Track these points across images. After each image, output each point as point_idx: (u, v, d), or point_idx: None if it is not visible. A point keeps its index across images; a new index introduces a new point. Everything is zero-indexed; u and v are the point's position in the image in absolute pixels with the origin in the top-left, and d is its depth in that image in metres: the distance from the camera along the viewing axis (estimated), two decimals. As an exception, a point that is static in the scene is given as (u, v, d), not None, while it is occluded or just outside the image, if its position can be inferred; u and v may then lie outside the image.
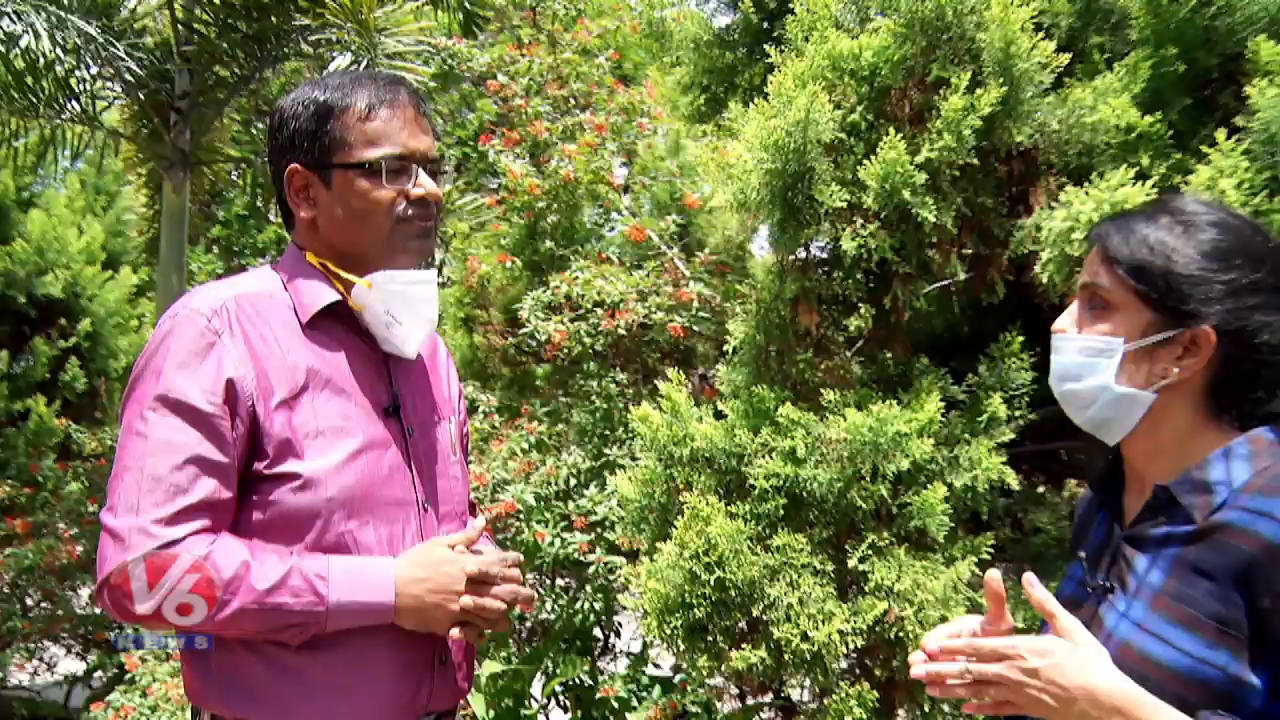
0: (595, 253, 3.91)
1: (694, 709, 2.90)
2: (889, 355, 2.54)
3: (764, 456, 2.30)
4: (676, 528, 2.45)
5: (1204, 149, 2.24)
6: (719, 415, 2.52)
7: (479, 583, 1.60)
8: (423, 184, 1.64)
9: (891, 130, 2.27)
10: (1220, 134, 2.21)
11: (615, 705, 3.06)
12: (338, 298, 1.64)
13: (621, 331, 3.31)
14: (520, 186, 3.88)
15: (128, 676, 4.24)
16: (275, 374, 1.56)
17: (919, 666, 1.28)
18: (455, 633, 1.62)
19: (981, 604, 2.24)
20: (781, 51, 2.52)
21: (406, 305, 1.67)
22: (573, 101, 4.25)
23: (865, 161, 2.31)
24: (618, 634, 3.54)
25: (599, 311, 3.40)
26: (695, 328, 3.24)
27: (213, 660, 1.56)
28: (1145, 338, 1.29)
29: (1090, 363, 1.32)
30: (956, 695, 1.28)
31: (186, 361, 1.52)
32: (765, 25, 3.19)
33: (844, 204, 2.35)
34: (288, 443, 1.54)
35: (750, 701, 2.78)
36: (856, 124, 2.38)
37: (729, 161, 2.53)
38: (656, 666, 3.39)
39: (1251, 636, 1.16)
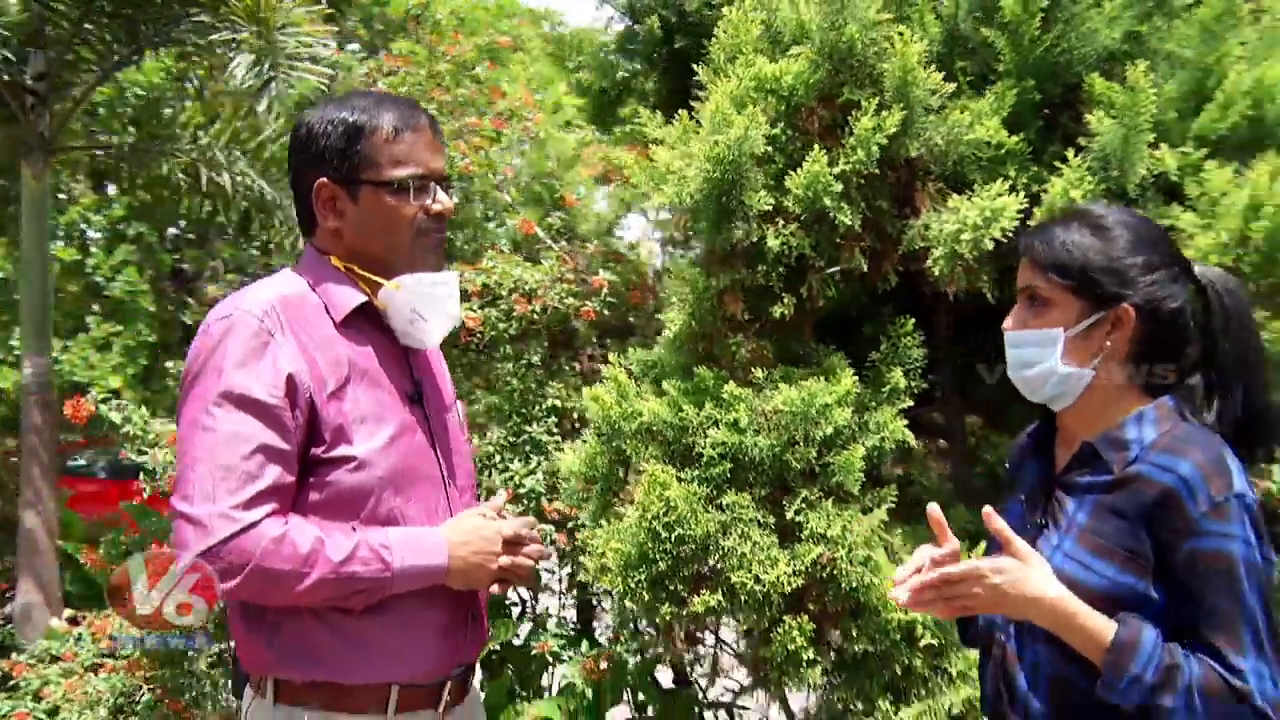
0: (489, 244, 4.15)
1: (626, 657, 3.23)
2: (800, 338, 2.95)
3: (710, 428, 2.66)
4: (625, 495, 2.79)
5: (1056, 164, 2.74)
6: (659, 393, 2.86)
7: (512, 544, 1.84)
8: (440, 201, 1.85)
9: (815, 146, 2.65)
10: (1070, 153, 2.72)
11: (548, 660, 3.35)
12: (365, 299, 1.85)
13: (535, 317, 3.58)
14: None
15: (10, 684, 4.16)
16: (324, 368, 1.74)
17: (900, 592, 1.55)
18: (495, 588, 1.89)
19: (890, 542, 2.69)
20: (706, 66, 2.87)
21: (433, 304, 1.87)
22: (456, 107, 4.45)
23: (791, 172, 2.69)
24: (536, 599, 3.81)
25: (511, 298, 3.64)
26: (606, 312, 3.54)
27: (283, 630, 1.72)
28: (1079, 324, 1.57)
29: (1038, 352, 1.60)
30: (932, 612, 1.61)
31: (244, 360, 1.68)
32: (665, 36, 3.51)
33: (769, 207, 2.72)
34: (340, 429, 1.73)
35: (692, 644, 3.15)
36: (778, 138, 2.76)
37: (664, 168, 2.85)
38: (576, 626, 3.70)
39: (1155, 563, 1.47)
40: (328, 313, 1.81)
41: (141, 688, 3.66)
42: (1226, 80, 2.71)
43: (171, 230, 12.24)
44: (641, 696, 3.63)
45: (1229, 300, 1.60)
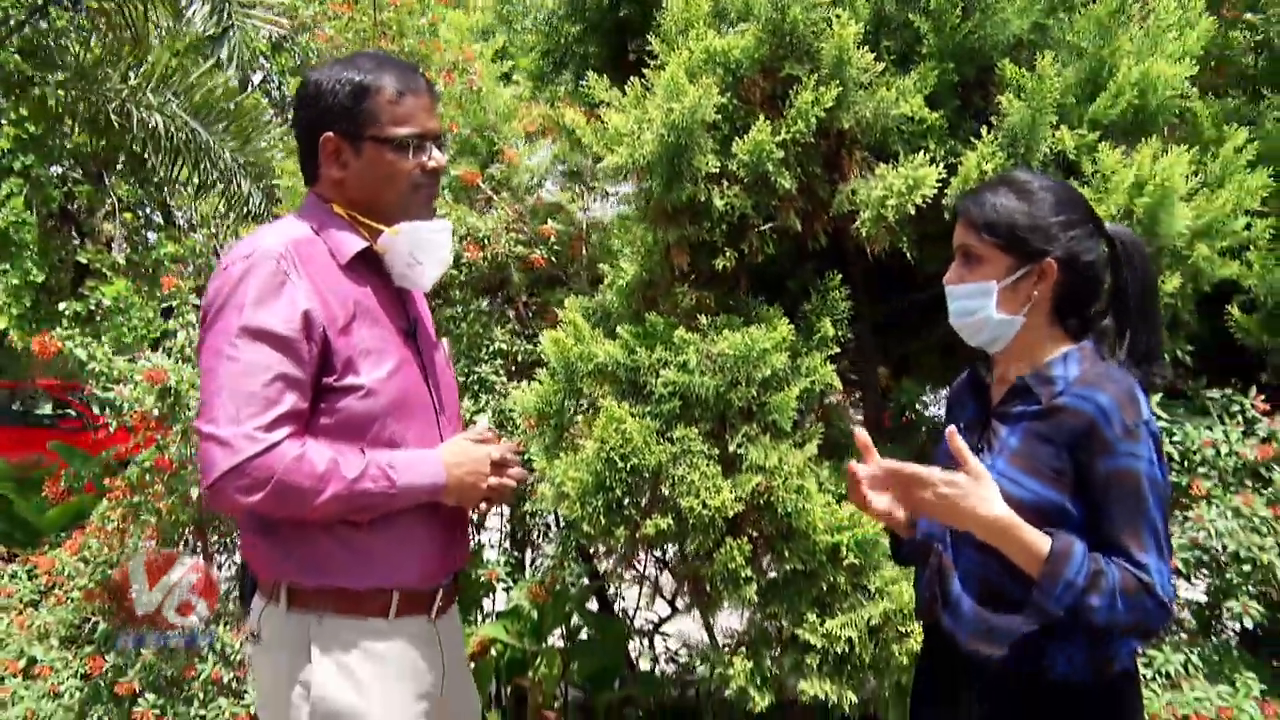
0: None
1: (570, 581, 3.50)
2: (737, 289, 3.24)
3: (662, 368, 2.93)
4: (575, 431, 3.05)
5: (971, 139, 3.08)
6: (611, 336, 3.12)
7: (499, 465, 2.06)
8: (435, 158, 2.03)
9: (760, 115, 2.92)
10: (984, 130, 3.05)
11: (492, 586, 3.60)
12: (367, 243, 2.04)
13: (484, 264, 3.77)
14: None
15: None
16: (334, 305, 1.92)
17: (861, 468, 1.85)
18: (484, 505, 2.13)
19: (819, 474, 3.02)
20: (658, 38, 3.11)
21: (429, 250, 2.06)
22: (404, 58, 4.56)
23: (737, 138, 2.96)
24: (479, 529, 4.04)
25: (463, 244, 3.83)
26: (553, 259, 3.76)
27: (296, 542, 1.91)
28: (1009, 276, 1.79)
29: (976, 302, 1.82)
30: (881, 515, 1.91)
31: (264, 298, 1.85)
32: (612, 4, 3.73)
33: (716, 169, 2.99)
34: (350, 360, 1.91)
35: (638, 567, 3.44)
36: (725, 106, 3.02)
37: (615, 131, 3.09)
38: (516, 556, 3.96)
39: (1075, 481, 1.70)
40: (332, 255, 2.00)
41: (91, 618, 3.78)
42: (1118, 72, 3.08)
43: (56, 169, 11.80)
44: (577, 620, 3.92)
45: (1134, 253, 1.87)
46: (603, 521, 2.88)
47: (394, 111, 1.98)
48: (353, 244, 2.00)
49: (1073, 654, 1.73)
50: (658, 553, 3.69)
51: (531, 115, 4.31)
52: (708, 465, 2.86)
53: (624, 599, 4.40)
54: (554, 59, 4.02)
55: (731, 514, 2.86)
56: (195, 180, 5.53)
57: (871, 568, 2.97)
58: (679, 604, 4.20)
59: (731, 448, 2.92)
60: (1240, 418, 3.28)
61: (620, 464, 2.84)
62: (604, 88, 3.34)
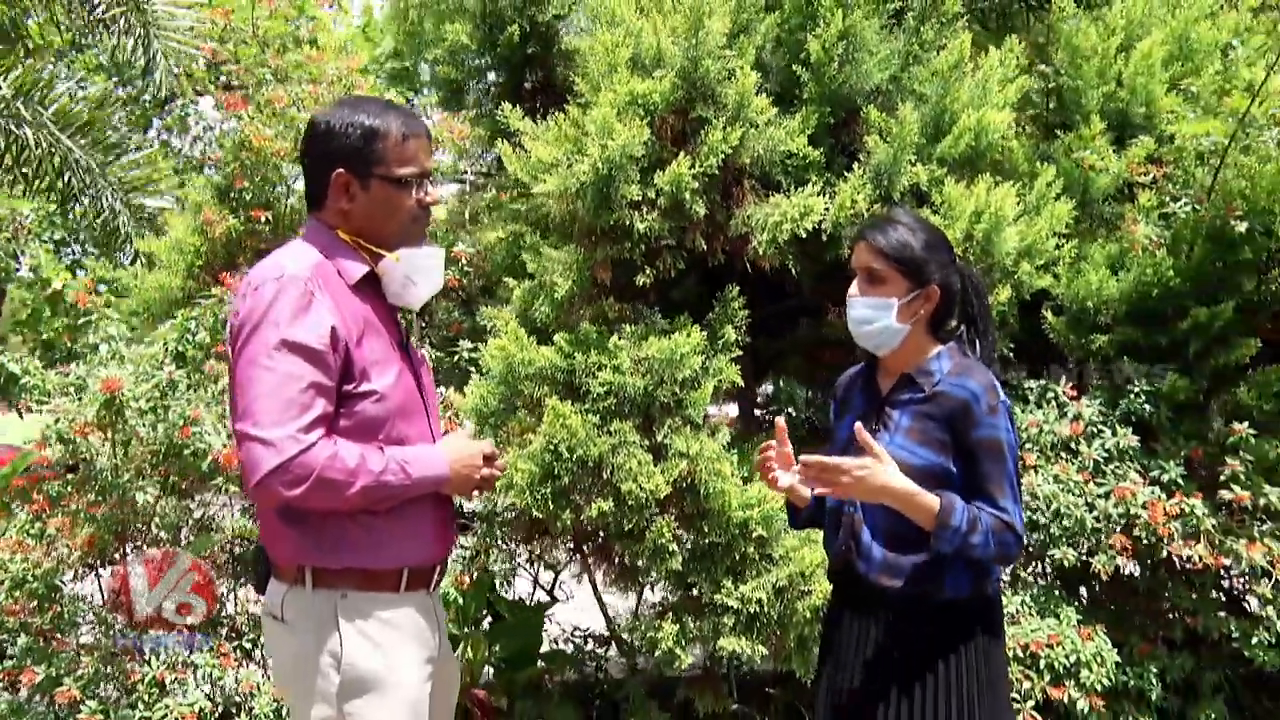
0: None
1: (496, 569, 3.84)
2: (649, 301, 3.69)
3: (598, 370, 3.35)
4: (511, 429, 3.42)
5: (844, 173, 3.66)
6: (544, 343, 3.50)
7: (488, 458, 2.39)
8: (431, 194, 2.34)
9: (679, 151, 3.40)
10: (854, 165, 3.64)
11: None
12: (370, 267, 2.31)
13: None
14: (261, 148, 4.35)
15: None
16: (350, 321, 2.19)
17: (784, 479, 2.37)
18: (475, 494, 2.45)
19: (731, 459, 3.51)
20: (583, 79, 3.54)
21: (424, 273, 2.35)
22: (290, 71, 4.74)
23: (657, 170, 3.41)
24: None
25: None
26: (464, 280, 4.07)
27: (319, 529, 2.16)
28: (906, 296, 2.24)
29: (875, 314, 2.25)
30: (786, 489, 2.41)
31: (296, 315, 2.09)
32: (521, 41, 4.12)
33: (639, 197, 3.43)
34: (364, 369, 2.18)
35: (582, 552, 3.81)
36: (647, 142, 3.46)
37: (543, 160, 3.48)
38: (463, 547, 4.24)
39: (954, 448, 2.18)
40: (339, 276, 2.27)
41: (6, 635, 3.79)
42: (959, 118, 3.74)
43: None
44: (499, 607, 4.26)
45: (976, 284, 2.44)
46: (550, 507, 3.26)
47: (399, 153, 2.25)
48: (358, 269, 2.26)
49: (957, 580, 2.26)
50: (569, 543, 4.07)
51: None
52: (642, 454, 3.29)
53: (529, 587, 4.74)
54: (457, 85, 4.36)
55: (662, 496, 3.30)
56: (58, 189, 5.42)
57: (775, 538, 3.47)
58: (565, 592, 4.61)
59: (659, 438, 3.37)
60: (1054, 402, 4.02)
61: (567, 455, 3.23)
62: (517, 117, 3.73)
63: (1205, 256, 4.02)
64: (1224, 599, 4.23)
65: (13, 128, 4.91)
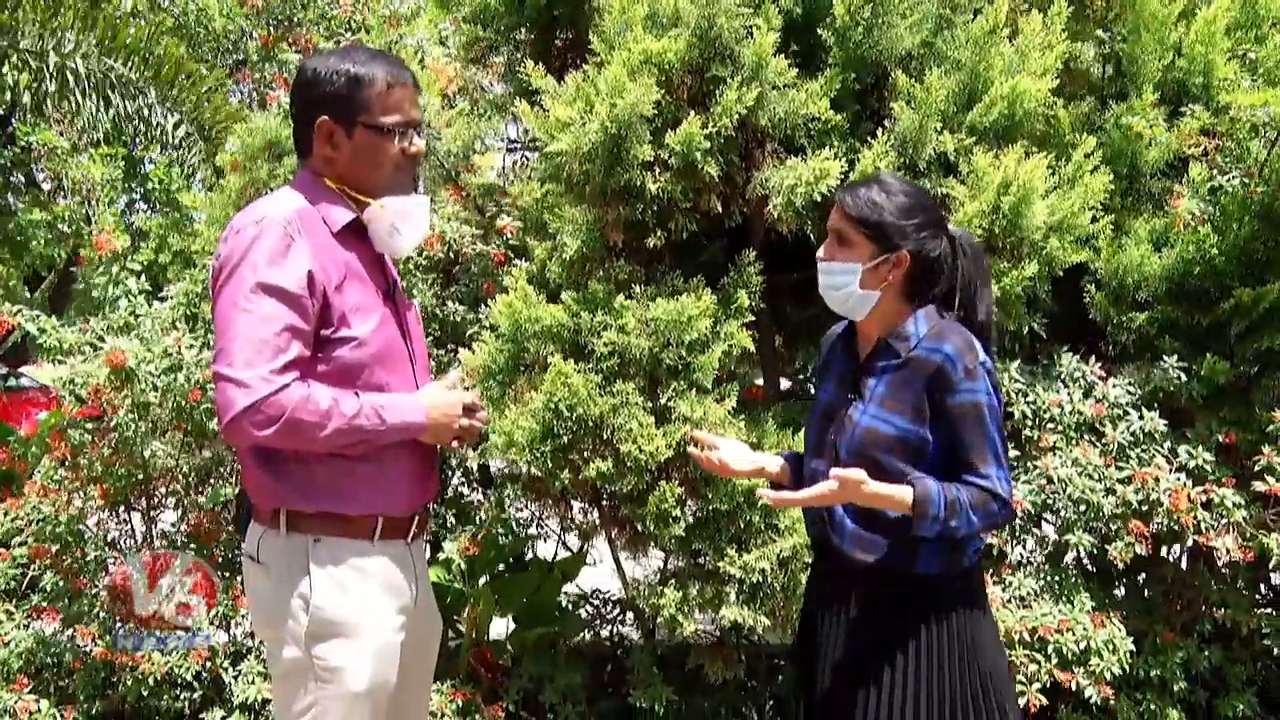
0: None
1: (501, 534, 3.86)
2: (663, 262, 3.65)
3: (603, 330, 3.32)
4: (518, 388, 3.42)
5: (868, 139, 3.56)
6: (553, 302, 3.49)
7: (469, 409, 2.40)
8: (416, 144, 2.34)
9: (690, 110, 3.34)
10: (879, 131, 3.54)
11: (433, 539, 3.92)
12: (355, 214, 2.32)
13: (439, 254, 4.07)
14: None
15: None
16: (331, 267, 2.21)
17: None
18: (454, 444, 2.45)
19: (741, 427, 3.46)
20: (599, 37, 3.50)
21: (410, 220, 2.36)
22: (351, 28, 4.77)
23: (670, 130, 3.36)
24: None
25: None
26: (509, 252, 4.07)
27: (296, 471, 2.20)
28: (873, 261, 2.20)
29: (844, 278, 2.22)
30: (751, 474, 2.43)
31: (274, 258, 2.12)
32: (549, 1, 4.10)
33: (650, 158, 3.39)
34: (344, 315, 2.21)
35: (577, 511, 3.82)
36: (658, 101, 3.41)
37: (560, 119, 3.46)
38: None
39: (931, 416, 2.16)
40: (325, 223, 2.28)
41: (26, 572, 3.93)
42: (992, 85, 3.61)
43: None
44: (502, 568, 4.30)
45: (967, 248, 2.34)
46: (549, 465, 3.25)
47: (384, 102, 2.27)
48: (342, 216, 2.29)
49: (933, 555, 2.22)
50: (582, 505, 4.07)
51: (447, 76, 4.51)
52: (643, 416, 3.27)
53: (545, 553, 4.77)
54: (486, 44, 4.35)
55: (663, 459, 3.28)
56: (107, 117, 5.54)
57: (781, 509, 3.42)
58: (598, 555, 4.61)
59: (662, 401, 3.34)
60: (1082, 381, 3.87)
61: (567, 414, 3.22)
62: (540, 75, 3.70)
63: (1252, 235, 3.83)
64: (1257, 593, 4.07)
65: (66, 62, 4.94)
